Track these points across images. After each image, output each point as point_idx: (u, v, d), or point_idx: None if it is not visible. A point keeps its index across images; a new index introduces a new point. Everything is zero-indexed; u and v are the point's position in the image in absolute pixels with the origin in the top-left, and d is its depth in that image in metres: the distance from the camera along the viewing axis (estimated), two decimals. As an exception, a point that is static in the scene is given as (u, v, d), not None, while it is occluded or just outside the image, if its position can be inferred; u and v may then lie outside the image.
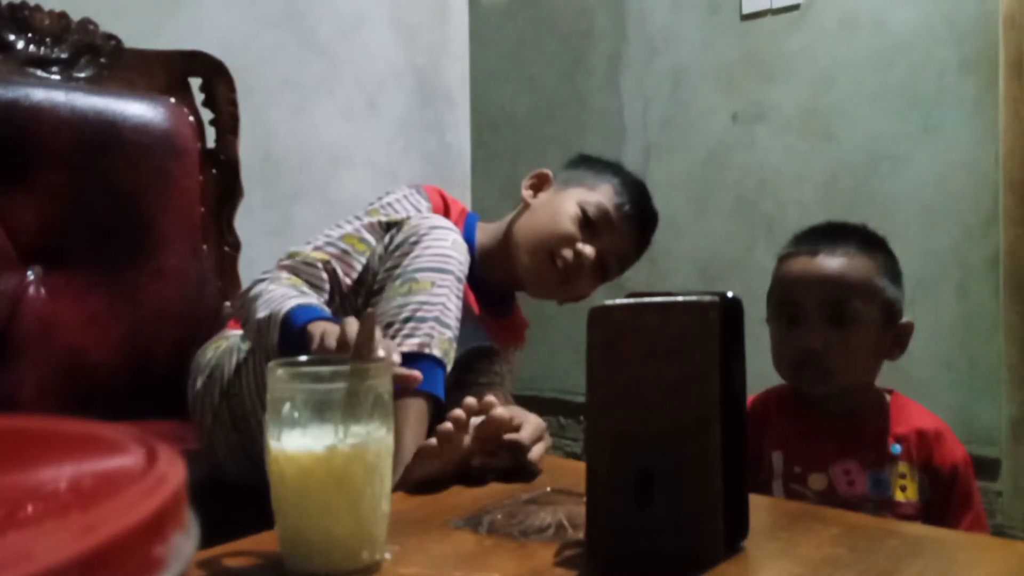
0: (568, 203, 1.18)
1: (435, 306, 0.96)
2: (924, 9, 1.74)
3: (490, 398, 0.90)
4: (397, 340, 0.93)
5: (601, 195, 1.19)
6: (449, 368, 0.97)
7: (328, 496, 0.61)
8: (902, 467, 1.05)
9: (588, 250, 1.15)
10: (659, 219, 1.26)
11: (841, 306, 1.04)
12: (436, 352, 0.94)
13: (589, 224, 1.17)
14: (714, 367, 0.64)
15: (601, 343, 0.66)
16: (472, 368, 1.20)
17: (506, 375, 1.25)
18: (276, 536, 0.63)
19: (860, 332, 1.05)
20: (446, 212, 1.17)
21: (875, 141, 1.81)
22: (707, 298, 0.65)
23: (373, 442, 0.62)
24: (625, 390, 0.65)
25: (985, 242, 1.66)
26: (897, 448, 1.06)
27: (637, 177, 1.26)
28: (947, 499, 1.05)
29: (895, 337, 1.09)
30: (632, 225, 1.20)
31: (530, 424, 0.91)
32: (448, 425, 0.85)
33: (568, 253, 1.15)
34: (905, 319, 1.09)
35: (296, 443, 0.61)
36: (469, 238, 1.16)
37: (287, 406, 0.61)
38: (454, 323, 0.98)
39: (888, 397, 1.11)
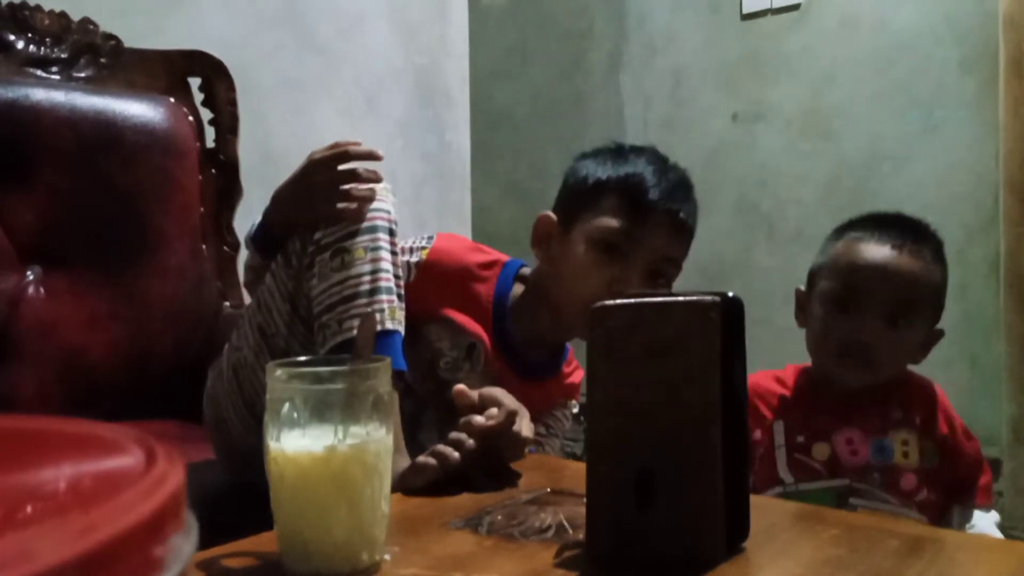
0: (579, 250, 1.04)
1: (376, 275, 0.91)
2: (924, 9, 1.74)
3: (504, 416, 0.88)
4: (345, 325, 0.89)
5: (608, 215, 1.04)
6: (403, 331, 0.93)
7: (327, 497, 0.61)
8: (905, 433, 1.05)
9: (627, 286, 1.01)
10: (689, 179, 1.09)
11: (905, 307, 1.03)
12: (389, 325, 0.91)
13: (611, 251, 1.03)
14: (714, 367, 0.64)
15: (601, 343, 0.66)
16: None
17: (556, 426, 1.18)
18: (275, 537, 0.63)
19: (913, 334, 1.04)
20: (459, 259, 1.07)
21: (875, 141, 1.81)
22: (708, 298, 0.65)
23: (372, 443, 0.62)
24: (625, 390, 0.65)
25: (985, 242, 1.66)
26: (899, 415, 1.06)
27: (642, 158, 1.08)
28: (956, 461, 1.05)
29: (925, 342, 1.08)
30: (656, 219, 1.03)
31: (504, 407, 0.89)
32: (454, 454, 0.84)
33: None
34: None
35: (295, 443, 0.61)
36: (503, 292, 1.07)
37: (286, 406, 0.61)
38: (395, 282, 0.93)
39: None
